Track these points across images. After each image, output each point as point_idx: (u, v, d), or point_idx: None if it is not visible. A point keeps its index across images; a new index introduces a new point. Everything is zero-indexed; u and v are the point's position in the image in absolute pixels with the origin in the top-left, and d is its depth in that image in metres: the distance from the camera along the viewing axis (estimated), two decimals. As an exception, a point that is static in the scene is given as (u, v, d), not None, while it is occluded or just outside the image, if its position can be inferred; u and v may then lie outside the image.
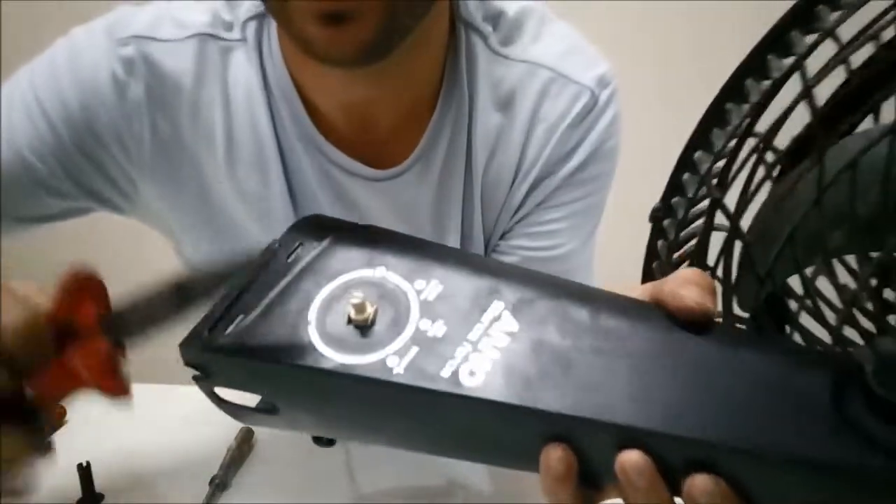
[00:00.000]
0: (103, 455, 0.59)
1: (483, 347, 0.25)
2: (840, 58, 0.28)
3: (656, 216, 0.35)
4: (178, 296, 0.30)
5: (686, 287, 0.25)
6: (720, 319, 0.31)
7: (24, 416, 0.30)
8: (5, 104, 0.49)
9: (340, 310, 0.26)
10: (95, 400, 0.31)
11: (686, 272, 0.26)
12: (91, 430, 0.64)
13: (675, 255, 0.35)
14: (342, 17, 0.37)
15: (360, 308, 0.26)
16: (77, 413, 0.67)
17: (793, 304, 0.34)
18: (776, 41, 0.29)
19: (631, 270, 0.37)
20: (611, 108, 0.53)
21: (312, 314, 0.26)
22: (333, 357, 0.25)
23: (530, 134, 0.52)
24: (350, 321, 0.26)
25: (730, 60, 0.31)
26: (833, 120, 0.31)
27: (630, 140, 0.57)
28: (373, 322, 0.26)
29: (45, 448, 0.33)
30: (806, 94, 0.26)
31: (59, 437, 0.65)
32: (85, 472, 0.56)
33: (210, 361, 0.27)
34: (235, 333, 0.26)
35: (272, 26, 0.50)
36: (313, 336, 0.26)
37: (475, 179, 0.53)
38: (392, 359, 0.25)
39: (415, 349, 0.25)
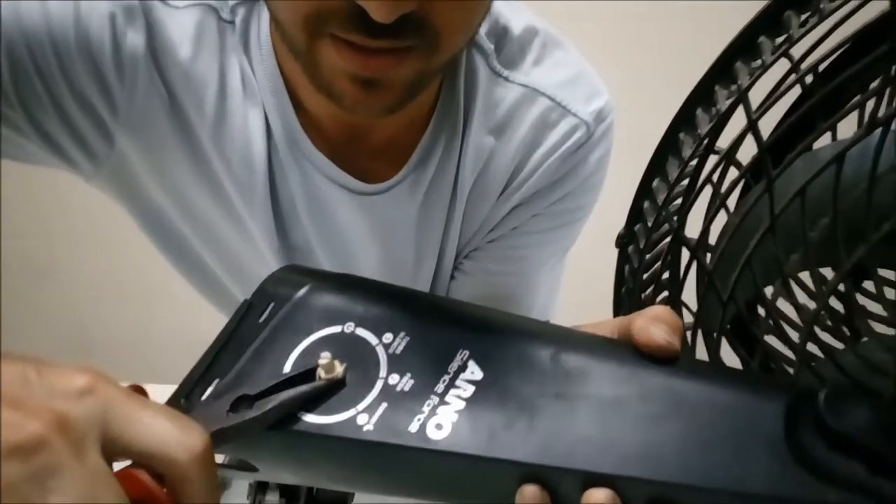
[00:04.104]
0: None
1: (449, 399, 0.26)
2: (787, 83, 0.28)
3: (621, 242, 0.35)
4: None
5: (655, 324, 0.26)
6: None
7: None
8: None
9: (311, 369, 0.27)
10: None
11: (656, 310, 0.27)
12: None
13: (644, 276, 0.35)
14: (376, 84, 0.38)
15: (329, 368, 0.26)
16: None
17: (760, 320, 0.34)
18: (722, 71, 0.29)
19: (607, 294, 0.38)
20: (603, 143, 0.52)
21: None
22: (305, 418, 0.26)
23: (522, 161, 0.51)
24: (320, 380, 0.27)
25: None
26: (794, 131, 0.31)
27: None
28: (343, 380, 0.27)
29: None
30: (750, 126, 0.27)
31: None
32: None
33: None
34: (211, 399, 0.27)
35: (262, 15, 0.46)
36: None
37: (459, 200, 0.52)
38: (362, 416, 0.26)
39: (384, 405, 0.26)
